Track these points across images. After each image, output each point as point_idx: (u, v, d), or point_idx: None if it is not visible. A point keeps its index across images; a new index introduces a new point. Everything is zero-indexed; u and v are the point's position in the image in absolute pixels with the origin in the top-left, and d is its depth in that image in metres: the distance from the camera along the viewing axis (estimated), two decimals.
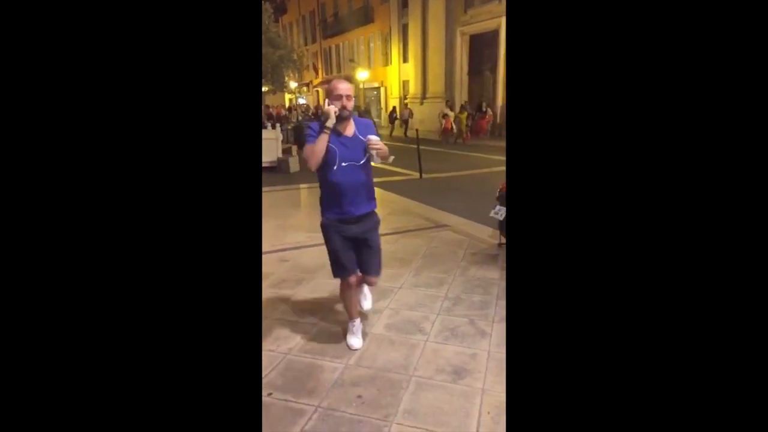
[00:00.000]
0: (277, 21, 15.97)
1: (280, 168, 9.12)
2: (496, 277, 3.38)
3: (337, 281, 2.41)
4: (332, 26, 26.93)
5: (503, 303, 2.94)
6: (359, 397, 2.02)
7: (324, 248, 2.32)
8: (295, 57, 14.99)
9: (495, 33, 15.28)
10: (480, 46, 16.37)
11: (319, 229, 2.30)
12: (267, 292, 3.17)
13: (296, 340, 2.54)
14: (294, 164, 9.20)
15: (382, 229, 2.29)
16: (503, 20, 14.63)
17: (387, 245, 4.24)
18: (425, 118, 17.65)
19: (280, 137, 9.86)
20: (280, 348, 2.46)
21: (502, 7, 14.56)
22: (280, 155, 9.43)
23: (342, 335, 2.55)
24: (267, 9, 13.86)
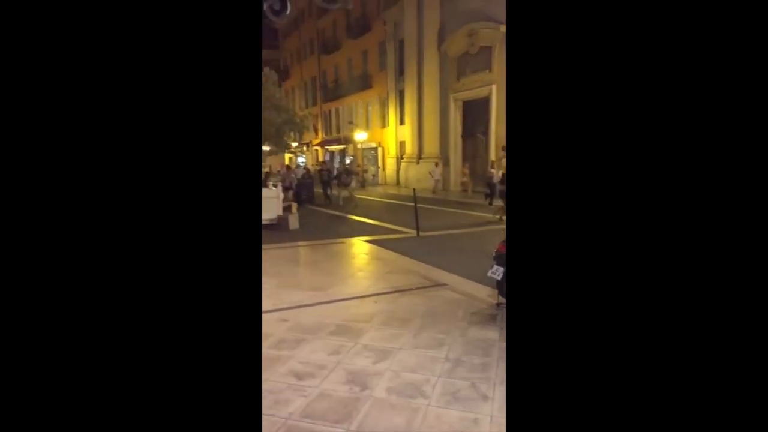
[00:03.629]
0: (280, 86, 17.03)
1: (279, 225, 9.24)
2: (495, 337, 3.37)
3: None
4: (333, 91, 28.41)
5: (504, 365, 2.92)
6: None
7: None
8: (298, 120, 15.76)
9: (486, 99, 16.16)
10: (473, 110, 17.23)
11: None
12: (266, 353, 3.14)
13: (296, 404, 2.49)
14: (293, 222, 9.34)
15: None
16: (494, 88, 15.56)
17: (387, 304, 4.24)
18: (421, 177, 18.17)
19: (281, 195, 10.10)
20: (280, 413, 2.41)
21: (493, 75, 15.55)
22: (280, 213, 9.60)
23: (344, 399, 2.51)
24: (272, 75, 14.77)
